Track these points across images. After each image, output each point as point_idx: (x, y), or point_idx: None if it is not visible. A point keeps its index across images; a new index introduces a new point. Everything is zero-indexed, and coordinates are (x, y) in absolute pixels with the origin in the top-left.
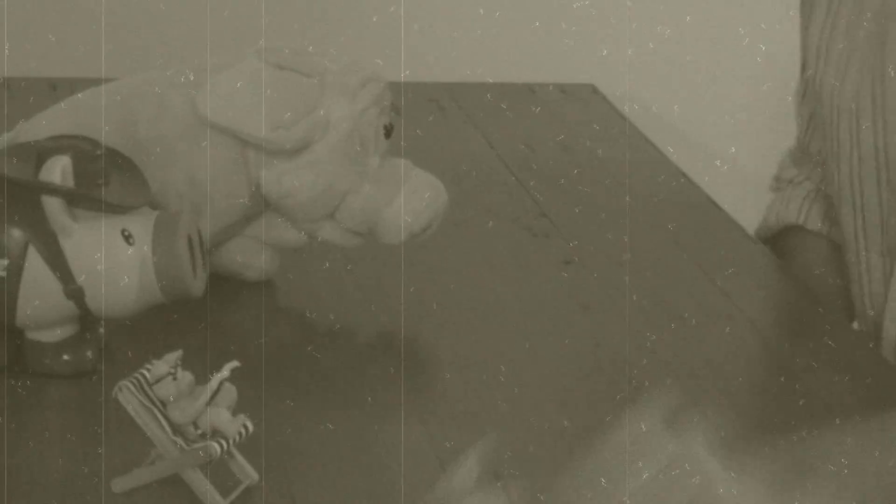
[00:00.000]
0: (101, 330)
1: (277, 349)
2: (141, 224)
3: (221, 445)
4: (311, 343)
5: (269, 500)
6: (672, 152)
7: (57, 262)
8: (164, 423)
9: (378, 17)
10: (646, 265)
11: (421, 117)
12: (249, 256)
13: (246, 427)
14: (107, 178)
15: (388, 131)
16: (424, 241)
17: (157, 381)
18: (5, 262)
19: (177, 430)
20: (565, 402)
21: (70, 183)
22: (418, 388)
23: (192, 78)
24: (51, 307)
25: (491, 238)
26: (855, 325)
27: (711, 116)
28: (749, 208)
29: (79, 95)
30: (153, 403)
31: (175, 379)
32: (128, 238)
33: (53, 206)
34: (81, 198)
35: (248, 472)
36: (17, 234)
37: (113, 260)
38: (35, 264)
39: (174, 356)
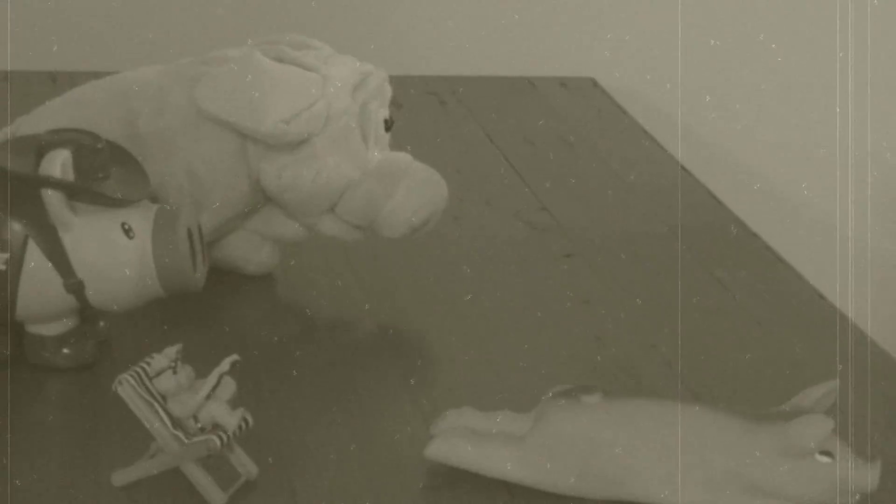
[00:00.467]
0: (102, 323)
1: (277, 343)
2: (141, 217)
3: (221, 439)
4: (311, 337)
5: (269, 493)
6: (672, 146)
7: (57, 255)
8: (164, 416)
9: (379, 11)
10: (646, 258)
11: (421, 111)
12: (249, 250)
13: (246, 421)
14: (107, 172)
15: (389, 125)
16: (425, 234)
17: (158, 374)
18: (6, 255)
19: (177, 423)
20: None
21: (70, 176)
22: (418, 382)
23: (192, 71)
24: (51, 301)
25: (491, 232)
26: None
27: (713, 112)
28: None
29: (79, 89)
30: (153, 397)
31: (175, 373)
32: (128, 231)
33: (53, 199)
34: (81, 191)
35: (247, 466)
36: (17, 227)
37: (113, 253)
38: (35, 258)
39: (174, 350)
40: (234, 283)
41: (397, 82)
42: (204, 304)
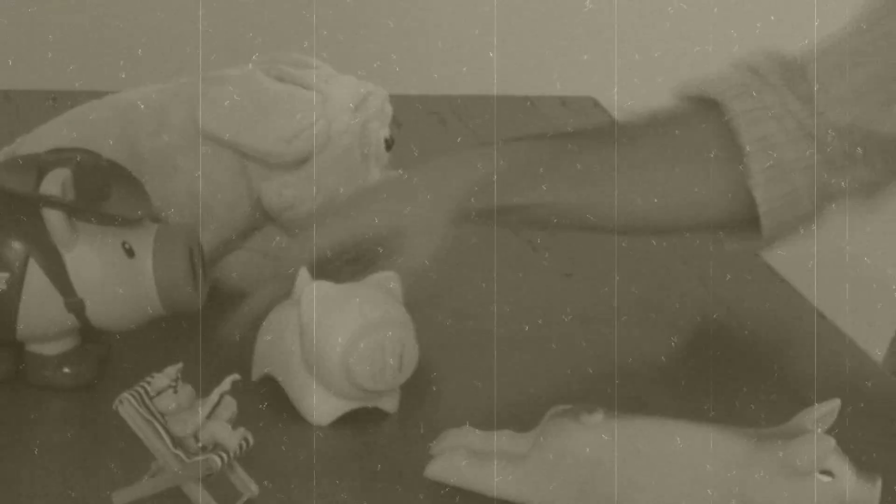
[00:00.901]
0: (102, 342)
1: None
2: (142, 237)
3: (222, 458)
4: None
5: None
6: None
7: (57, 274)
8: (164, 435)
9: (379, 30)
10: (645, 276)
11: (422, 130)
12: (250, 269)
13: (246, 440)
14: (107, 191)
15: (389, 144)
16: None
17: (158, 393)
18: (6, 274)
19: (177, 442)
20: None
21: (71, 196)
22: (418, 399)
23: (192, 91)
24: (51, 320)
25: (491, 250)
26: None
27: None
28: None
29: (79, 108)
30: (154, 416)
31: (176, 392)
32: (128, 251)
33: (54, 218)
34: (82, 211)
35: (248, 485)
36: (17, 246)
37: (113, 272)
38: (36, 277)
39: (175, 369)
40: (234, 302)
41: (398, 101)
42: (205, 322)
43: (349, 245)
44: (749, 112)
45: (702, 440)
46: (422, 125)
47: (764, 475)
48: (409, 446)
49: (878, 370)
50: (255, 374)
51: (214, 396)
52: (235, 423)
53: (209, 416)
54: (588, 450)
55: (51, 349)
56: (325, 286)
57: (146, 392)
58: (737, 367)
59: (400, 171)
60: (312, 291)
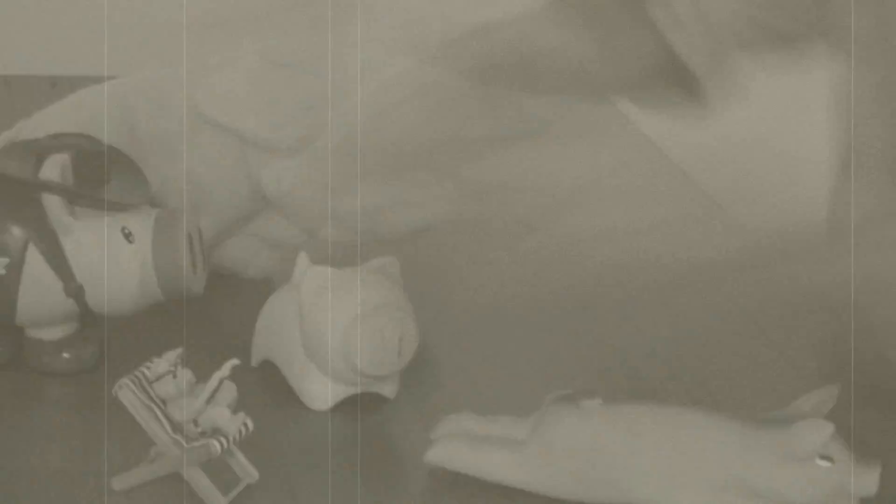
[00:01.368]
0: (102, 328)
1: None
2: (141, 222)
3: (222, 443)
4: None
5: (270, 497)
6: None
7: (57, 260)
8: (164, 420)
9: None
10: (649, 266)
11: None
12: (249, 254)
13: (246, 425)
14: (107, 176)
15: None
16: (424, 238)
17: (158, 378)
18: (5, 260)
19: (177, 427)
20: None
21: (70, 181)
22: (418, 386)
23: (192, 76)
24: (51, 305)
25: (492, 238)
26: None
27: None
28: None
29: (79, 93)
30: (153, 401)
31: (175, 377)
32: (128, 236)
33: (53, 204)
34: (81, 196)
35: (248, 470)
36: (17, 232)
37: (113, 258)
38: (35, 262)
39: (174, 354)
40: (233, 288)
41: None
42: (204, 308)
43: None
44: None
45: (701, 425)
46: None
47: (764, 460)
48: (409, 432)
49: (879, 354)
50: (255, 360)
51: (214, 381)
52: (235, 408)
53: (209, 402)
54: (587, 435)
55: (50, 334)
56: (325, 271)
57: (145, 377)
58: (737, 353)
59: None
60: (312, 276)
